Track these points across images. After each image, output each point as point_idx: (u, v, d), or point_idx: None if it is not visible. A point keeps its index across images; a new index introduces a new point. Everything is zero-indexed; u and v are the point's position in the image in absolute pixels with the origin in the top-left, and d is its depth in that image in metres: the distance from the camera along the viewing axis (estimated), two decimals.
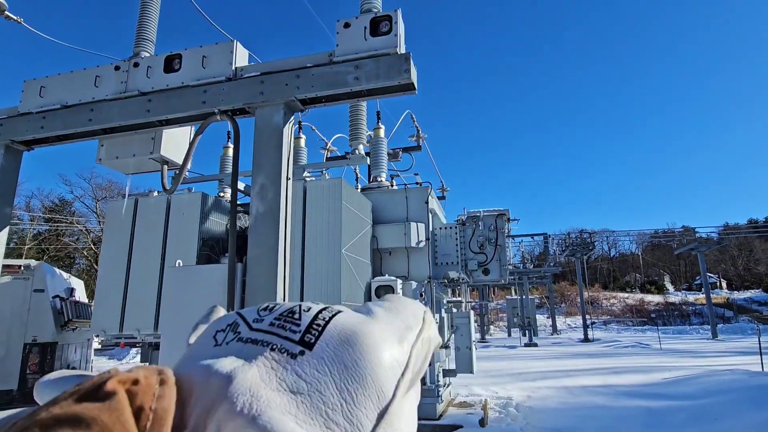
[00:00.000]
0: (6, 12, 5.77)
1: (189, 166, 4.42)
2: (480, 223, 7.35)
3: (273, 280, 3.60)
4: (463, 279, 7.22)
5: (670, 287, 60.01)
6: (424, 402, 6.48)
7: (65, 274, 9.25)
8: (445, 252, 7.39)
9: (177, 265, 4.01)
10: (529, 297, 25.62)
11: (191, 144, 4.21)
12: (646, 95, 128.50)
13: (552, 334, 32.48)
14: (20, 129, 4.67)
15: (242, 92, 4.06)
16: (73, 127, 4.51)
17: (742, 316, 40.50)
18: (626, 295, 54.02)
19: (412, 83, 3.78)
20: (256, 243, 3.72)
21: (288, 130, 3.99)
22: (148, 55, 4.62)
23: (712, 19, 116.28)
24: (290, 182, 3.92)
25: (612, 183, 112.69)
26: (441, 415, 6.84)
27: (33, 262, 7.62)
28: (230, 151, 7.79)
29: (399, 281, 6.44)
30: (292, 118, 4.10)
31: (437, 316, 7.12)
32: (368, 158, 6.66)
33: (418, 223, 6.96)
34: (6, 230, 4.79)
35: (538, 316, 43.36)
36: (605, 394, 8.37)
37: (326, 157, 9.08)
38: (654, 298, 51.52)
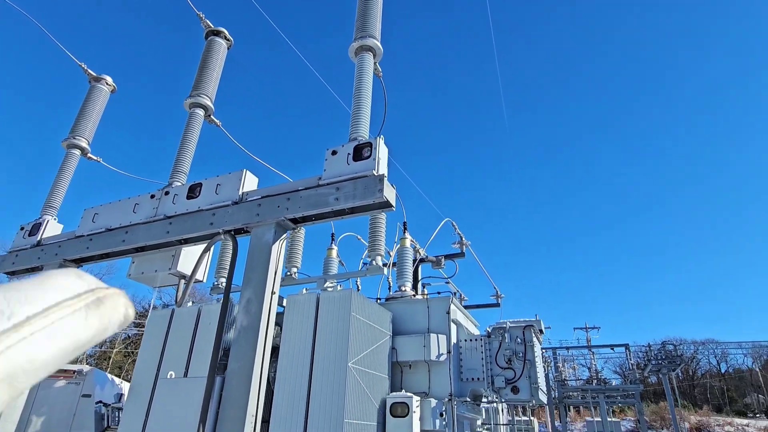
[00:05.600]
0: (89, 155, 7.04)
1: (195, 280, 4.82)
2: (506, 335, 6.95)
3: (246, 394, 3.64)
4: (488, 397, 6.65)
5: None
6: None
7: (117, 380, 9.82)
8: (470, 366, 6.95)
9: (169, 376, 4.21)
10: (610, 419, 22.26)
11: (198, 261, 4.65)
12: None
13: None
14: (72, 249, 5.47)
15: (243, 214, 4.53)
16: (110, 247, 5.20)
17: None
18: (746, 421, 44.96)
19: (387, 201, 4.02)
20: (236, 356, 3.85)
21: (277, 247, 4.30)
22: (179, 184, 5.37)
23: None
24: (275, 296, 4.13)
25: (720, 285, 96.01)
26: None
27: (86, 368, 8.25)
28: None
29: (415, 398, 6.11)
30: (284, 235, 4.44)
31: None
32: (385, 269, 6.78)
33: (439, 335, 6.74)
34: None
35: None
36: None
37: (359, 267, 9.32)
38: None
